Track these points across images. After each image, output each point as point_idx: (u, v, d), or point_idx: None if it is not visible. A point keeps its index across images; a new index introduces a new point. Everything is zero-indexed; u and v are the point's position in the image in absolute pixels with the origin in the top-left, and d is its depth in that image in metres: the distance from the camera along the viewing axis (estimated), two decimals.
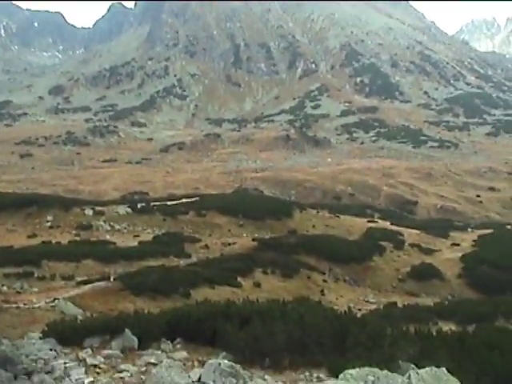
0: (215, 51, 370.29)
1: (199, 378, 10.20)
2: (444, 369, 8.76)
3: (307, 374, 12.66)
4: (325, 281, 58.42)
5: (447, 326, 30.98)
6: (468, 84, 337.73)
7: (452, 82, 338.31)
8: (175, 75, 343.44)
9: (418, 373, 8.54)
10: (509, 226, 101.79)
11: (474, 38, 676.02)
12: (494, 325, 39.51)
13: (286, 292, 46.78)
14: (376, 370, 9.89)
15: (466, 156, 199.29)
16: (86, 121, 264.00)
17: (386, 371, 9.93)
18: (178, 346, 15.33)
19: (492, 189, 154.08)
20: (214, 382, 9.93)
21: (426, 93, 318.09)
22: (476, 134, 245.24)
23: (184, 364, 12.54)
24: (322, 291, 54.00)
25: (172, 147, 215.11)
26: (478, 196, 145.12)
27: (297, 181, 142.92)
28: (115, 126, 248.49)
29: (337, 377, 10.15)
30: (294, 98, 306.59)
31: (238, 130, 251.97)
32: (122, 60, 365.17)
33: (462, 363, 13.15)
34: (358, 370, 9.84)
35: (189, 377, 10.28)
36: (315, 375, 12.46)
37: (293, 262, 60.04)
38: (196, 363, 13.21)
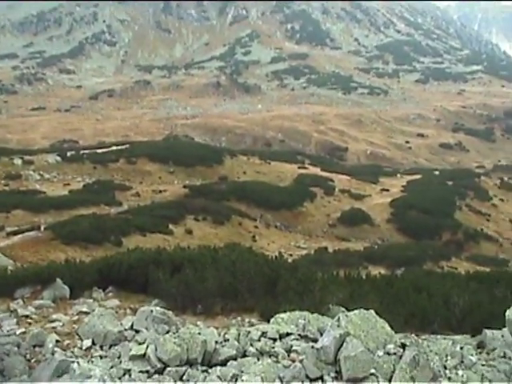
0: None
1: (132, 326, 10.25)
2: (372, 311, 8.95)
3: (239, 319, 12.81)
4: (256, 227, 58.89)
5: (377, 270, 31.69)
6: (398, 31, 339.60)
7: (382, 29, 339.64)
8: (104, 21, 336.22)
9: (347, 315, 8.72)
10: (437, 172, 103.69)
11: None
12: (422, 268, 40.54)
13: (218, 239, 47.09)
14: (306, 313, 10.05)
15: (395, 103, 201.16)
16: (14, 68, 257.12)
17: (316, 314, 10.10)
18: (110, 294, 15.33)
19: (421, 135, 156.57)
20: (146, 329, 9.99)
21: (356, 40, 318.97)
22: (405, 81, 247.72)
23: (116, 312, 12.56)
24: (254, 237, 54.49)
25: (101, 94, 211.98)
26: (407, 142, 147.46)
27: (227, 127, 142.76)
28: (43, 74, 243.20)
29: (268, 321, 10.30)
30: (225, 45, 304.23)
31: (168, 77, 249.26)
32: (50, 6, 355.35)
33: (391, 305, 13.46)
34: (288, 314, 9.99)
35: (121, 324, 10.31)
36: (247, 320, 12.61)
37: (224, 208, 60.31)
38: (128, 311, 13.25)
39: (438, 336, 11.38)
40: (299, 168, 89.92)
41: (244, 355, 8.63)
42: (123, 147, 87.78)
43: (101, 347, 9.73)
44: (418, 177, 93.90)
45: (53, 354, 9.36)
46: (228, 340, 9.00)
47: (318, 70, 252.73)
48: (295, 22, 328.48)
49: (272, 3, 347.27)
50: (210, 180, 75.57)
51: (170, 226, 47.87)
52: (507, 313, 9.91)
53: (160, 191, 65.80)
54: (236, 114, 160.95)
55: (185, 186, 68.50)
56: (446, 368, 8.61)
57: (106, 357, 9.23)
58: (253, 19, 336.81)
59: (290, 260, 24.94)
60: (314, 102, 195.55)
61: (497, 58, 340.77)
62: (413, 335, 11.40)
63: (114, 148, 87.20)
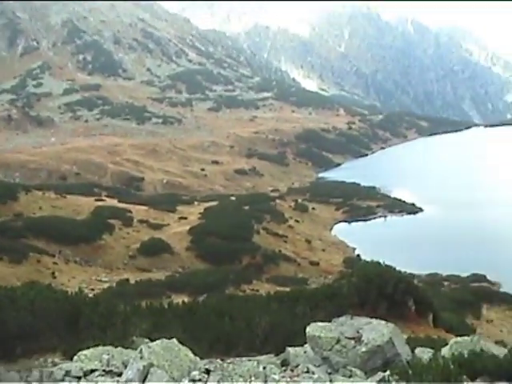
0: None
1: None
2: (175, 340, 9.09)
3: (41, 359, 12.56)
4: (55, 263, 57.69)
5: (180, 298, 31.89)
6: (190, 61, 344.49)
7: (174, 58, 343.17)
8: None
9: (149, 346, 8.82)
10: (233, 197, 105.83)
11: (196, 15, 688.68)
12: (224, 293, 41.28)
13: (16, 278, 45.75)
14: (110, 348, 10.06)
15: (189, 131, 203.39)
16: None
17: (120, 348, 10.14)
18: None
19: (215, 162, 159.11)
20: None
21: (148, 70, 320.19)
22: (198, 109, 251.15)
23: None
24: (53, 274, 53.37)
25: None
26: (203, 170, 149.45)
27: (20, 162, 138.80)
28: None
29: (71, 359, 10.22)
30: (15, 77, 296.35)
31: None
32: None
33: (195, 332, 13.66)
34: (92, 350, 9.96)
35: None
36: (50, 360, 12.38)
37: (21, 246, 58.63)
38: None
39: (244, 358, 11.69)
40: (96, 200, 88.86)
41: None
42: None
43: None
44: (214, 203, 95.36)
45: None
46: (31, 383, 8.86)
47: (112, 101, 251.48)
48: (87, 52, 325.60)
49: (63, 34, 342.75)
50: (4, 217, 73.12)
51: None
52: (307, 329, 10.35)
53: None
54: (29, 148, 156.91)
55: None
56: None
57: None
58: (44, 50, 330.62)
59: (91, 295, 24.69)
60: (109, 133, 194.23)
61: (286, 85, 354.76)
62: (218, 360, 11.61)
63: None
